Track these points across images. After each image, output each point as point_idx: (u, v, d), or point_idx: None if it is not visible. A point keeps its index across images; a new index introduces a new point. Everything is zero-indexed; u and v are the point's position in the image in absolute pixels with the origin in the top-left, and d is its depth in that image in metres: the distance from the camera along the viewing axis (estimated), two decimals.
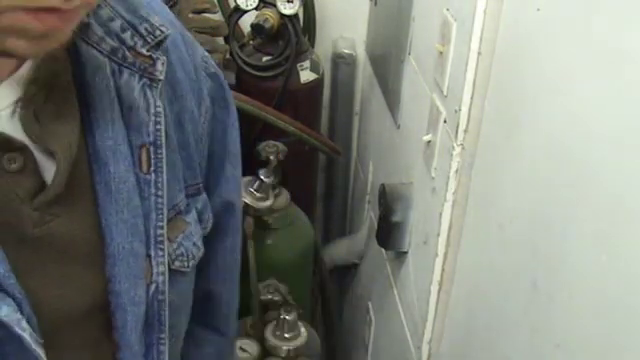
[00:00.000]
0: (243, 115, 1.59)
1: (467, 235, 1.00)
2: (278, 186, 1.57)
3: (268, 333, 1.47)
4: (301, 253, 1.64)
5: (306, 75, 1.71)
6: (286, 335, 1.47)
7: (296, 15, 1.64)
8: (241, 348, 1.47)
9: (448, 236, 1.04)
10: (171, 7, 1.44)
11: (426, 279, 1.10)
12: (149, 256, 0.65)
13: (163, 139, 0.64)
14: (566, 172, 0.68)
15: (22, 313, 0.55)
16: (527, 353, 0.77)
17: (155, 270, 0.66)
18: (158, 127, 0.64)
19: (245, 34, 1.72)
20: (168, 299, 0.68)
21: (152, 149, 0.63)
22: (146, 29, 0.62)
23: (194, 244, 0.72)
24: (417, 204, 1.21)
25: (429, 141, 1.10)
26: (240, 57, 1.67)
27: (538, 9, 0.76)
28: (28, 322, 0.56)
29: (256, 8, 1.62)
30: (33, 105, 0.57)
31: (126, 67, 0.62)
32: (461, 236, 1.02)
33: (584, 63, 0.66)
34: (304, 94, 1.73)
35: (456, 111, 0.96)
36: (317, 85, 1.76)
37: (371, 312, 1.63)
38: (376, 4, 1.70)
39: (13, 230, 0.56)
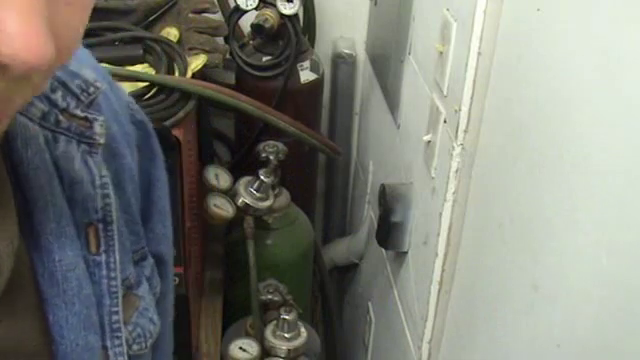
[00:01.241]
0: (243, 115, 1.59)
1: (467, 235, 1.00)
2: (278, 186, 1.57)
3: (268, 333, 1.47)
4: (301, 253, 1.64)
5: (306, 75, 1.71)
6: (286, 335, 1.47)
7: (296, 15, 1.64)
8: (241, 348, 1.47)
9: (448, 236, 1.04)
10: (171, 7, 1.44)
11: (426, 279, 1.10)
12: (105, 347, 0.57)
13: (114, 214, 0.56)
14: (566, 172, 0.68)
15: None
16: (527, 353, 0.77)
17: None
18: (107, 201, 0.56)
19: (245, 34, 1.72)
20: None
21: (101, 226, 0.56)
22: (79, 86, 0.54)
23: (150, 320, 0.65)
24: (417, 204, 1.21)
25: (429, 141, 1.10)
26: (240, 57, 1.67)
27: (538, 9, 0.76)
28: None
29: (256, 8, 1.62)
30: None
31: (61, 133, 0.53)
32: (461, 236, 1.02)
33: (584, 63, 0.66)
34: (304, 94, 1.73)
35: (456, 111, 0.96)
36: (317, 85, 1.76)
37: (371, 312, 1.63)
38: (376, 4, 1.70)
39: None
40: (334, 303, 1.93)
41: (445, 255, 1.05)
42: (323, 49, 1.88)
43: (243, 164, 1.72)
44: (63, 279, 0.53)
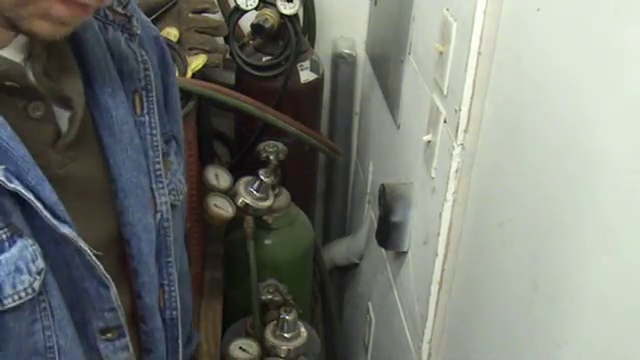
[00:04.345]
0: (243, 115, 1.59)
1: (467, 235, 1.00)
2: (278, 186, 1.57)
3: (268, 333, 1.47)
4: (301, 253, 1.64)
5: (306, 75, 1.71)
6: (286, 335, 1.47)
7: (296, 15, 1.64)
8: (241, 348, 1.47)
9: (448, 236, 1.04)
10: (171, 7, 1.44)
11: (426, 279, 1.10)
12: (152, 188, 0.73)
13: (153, 83, 0.72)
14: (566, 172, 0.68)
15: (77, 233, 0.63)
16: (527, 353, 0.77)
17: (159, 200, 0.74)
18: (147, 73, 0.71)
19: (245, 34, 1.72)
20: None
21: (144, 93, 0.71)
22: None
23: (179, 180, 0.80)
24: (417, 204, 1.21)
25: (429, 141, 1.10)
26: (240, 57, 1.67)
27: (538, 9, 0.76)
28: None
29: (256, 8, 1.62)
30: (41, 62, 0.62)
31: (109, 24, 0.69)
32: (461, 236, 1.02)
33: (584, 63, 0.66)
34: (304, 94, 1.73)
35: (456, 111, 0.96)
36: (317, 85, 1.76)
37: (371, 312, 1.63)
38: (376, 4, 1.70)
39: (43, 171, 0.61)
40: (334, 303, 1.93)
41: (445, 255, 1.05)
42: (323, 49, 1.88)
43: (243, 164, 1.72)
44: (119, 130, 0.68)
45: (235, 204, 1.47)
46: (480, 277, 0.95)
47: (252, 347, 1.47)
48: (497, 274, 0.88)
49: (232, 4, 1.68)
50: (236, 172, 1.56)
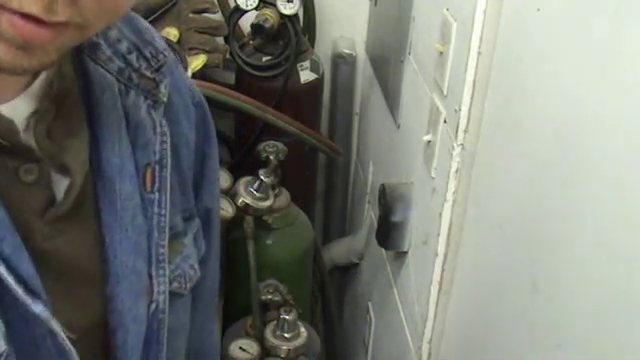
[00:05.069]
0: (243, 115, 1.59)
1: (467, 235, 1.00)
2: (278, 186, 1.57)
3: (268, 333, 1.47)
4: (301, 253, 1.64)
5: (306, 75, 1.71)
6: (286, 335, 1.47)
7: (296, 15, 1.64)
8: (241, 348, 1.47)
9: (448, 236, 1.04)
10: (171, 7, 1.44)
11: (426, 279, 1.10)
12: (150, 275, 0.65)
13: (168, 158, 0.65)
14: (566, 172, 0.68)
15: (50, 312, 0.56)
16: (527, 353, 0.77)
17: (156, 289, 0.66)
18: (164, 146, 0.65)
19: (245, 34, 1.72)
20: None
21: (157, 168, 0.64)
22: (150, 52, 0.64)
23: (191, 266, 0.72)
24: (417, 204, 1.21)
25: (429, 141, 1.10)
26: (240, 57, 1.67)
27: (538, 9, 0.76)
28: None
29: (256, 8, 1.62)
30: (45, 120, 0.57)
31: (132, 87, 0.63)
32: (461, 236, 1.02)
33: (584, 63, 0.66)
34: (304, 94, 1.73)
35: (456, 111, 0.96)
36: (317, 85, 1.76)
37: (371, 312, 1.63)
38: (376, 4, 1.70)
39: (25, 242, 0.55)
40: (334, 303, 1.93)
41: (445, 255, 1.05)
42: (323, 49, 1.88)
43: (243, 164, 1.72)
44: (121, 207, 0.62)
45: (235, 204, 1.47)
46: (480, 277, 0.95)
47: (252, 347, 1.47)
48: (497, 274, 0.88)
49: (232, 4, 1.68)
50: (236, 172, 1.56)
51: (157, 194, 0.64)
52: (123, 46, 0.62)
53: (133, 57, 0.62)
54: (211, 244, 0.80)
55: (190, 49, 1.43)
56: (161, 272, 0.66)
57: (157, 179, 0.64)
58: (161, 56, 0.65)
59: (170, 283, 0.68)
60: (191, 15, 1.46)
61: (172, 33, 1.41)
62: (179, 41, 1.42)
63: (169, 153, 0.65)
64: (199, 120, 0.73)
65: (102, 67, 0.61)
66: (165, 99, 0.65)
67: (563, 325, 0.68)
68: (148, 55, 0.63)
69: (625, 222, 0.58)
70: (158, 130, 0.64)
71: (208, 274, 0.80)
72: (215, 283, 0.85)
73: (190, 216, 0.73)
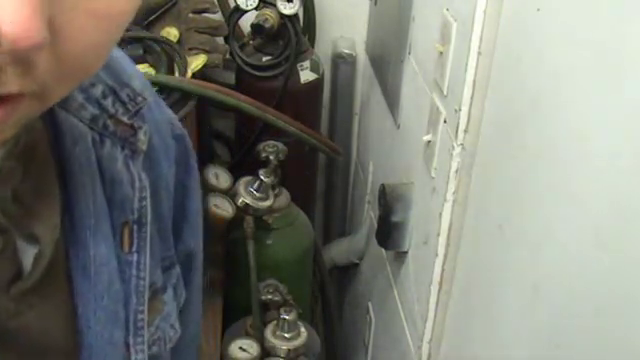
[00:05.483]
0: (243, 115, 1.59)
1: (467, 235, 1.00)
2: (278, 186, 1.57)
3: (268, 333, 1.47)
4: (301, 253, 1.64)
5: (306, 75, 1.71)
6: (286, 335, 1.47)
7: (296, 15, 1.64)
8: (241, 348, 1.47)
9: (448, 236, 1.04)
10: (171, 7, 1.44)
11: (426, 279, 1.10)
12: (127, 343, 0.59)
13: (148, 216, 0.59)
14: (566, 172, 0.68)
15: None
16: (527, 353, 0.77)
17: (133, 357, 0.60)
18: (143, 203, 0.58)
19: (245, 34, 1.72)
20: None
21: (136, 227, 0.58)
22: (128, 95, 0.57)
23: (171, 326, 0.67)
24: (417, 204, 1.21)
25: (429, 141, 1.10)
26: (240, 57, 1.67)
27: (538, 9, 0.76)
28: None
29: (256, 8, 1.62)
30: (11, 183, 0.49)
31: (107, 136, 0.56)
32: (461, 236, 1.02)
33: (584, 63, 0.66)
34: (304, 94, 1.73)
35: (456, 111, 0.96)
36: (317, 85, 1.76)
37: (371, 312, 1.63)
38: (376, 4, 1.70)
39: None
40: (334, 303, 1.93)
41: (445, 255, 1.05)
42: (323, 49, 1.88)
43: (243, 164, 1.72)
44: (95, 273, 0.55)
45: (235, 204, 1.47)
46: (480, 277, 0.94)
47: (252, 347, 1.47)
48: (497, 274, 0.88)
49: (232, 4, 1.68)
50: (236, 172, 1.56)
51: (136, 255, 0.58)
52: (97, 90, 0.55)
53: (108, 102, 0.56)
54: (193, 288, 0.74)
55: (190, 49, 1.43)
56: (139, 340, 0.60)
57: (136, 239, 0.58)
58: (139, 98, 0.58)
59: (149, 347, 0.63)
60: (191, 15, 1.46)
61: (172, 33, 1.41)
62: (179, 41, 1.42)
63: (149, 209, 0.59)
64: (179, 153, 0.67)
65: (73, 116, 0.53)
66: (145, 147, 0.58)
67: (563, 325, 0.68)
68: (125, 98, 0.57)
69: (625, 222, 0.58)
70: (137, 185, 0.58)
71: (191, 320, 0.75)
72: (198, 328, 0.79)
73: (170, 265, 0.67)
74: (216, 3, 1.62)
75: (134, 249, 0.58)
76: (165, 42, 1.35)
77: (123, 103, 0.57)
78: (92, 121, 0.55)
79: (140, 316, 0.59)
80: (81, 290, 0.54)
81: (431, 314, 1.10)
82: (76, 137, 0.54)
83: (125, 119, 0.57)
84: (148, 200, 0.59)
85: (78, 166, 0.54)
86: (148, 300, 0.61)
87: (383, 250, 1.41)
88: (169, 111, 0.69)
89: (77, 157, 0.54)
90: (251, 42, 1.69)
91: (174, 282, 0.67)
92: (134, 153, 0.58)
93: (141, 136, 0.58)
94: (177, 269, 0.68)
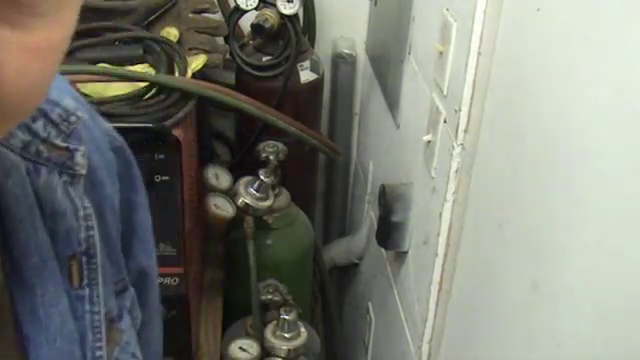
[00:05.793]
0: (243, 115, 1.59)
1: (467, 235, 1.00)
2: (278, 186, 1.57)
3: (268, 333, 1.47)
4: (301, 253, 1.64)
5: (306, 75, 1.71)
6: (286, 335, 1.47)
7: (296, 15, 1.64)
8: (241, 348, 1.47)
9: (448, 236, 1.04)
10: (171, 7, 1.44)
11: (426, 279, 1.10)
12: None
13: (97, 246, 0.55)
14: (566, 172, 0.68)
15: None
16: (527, 353, 0.77)
17: None
18: (90, 233, 0.54)
19: (245, 34, 1.72)
20: None
21: (84, 259, 0.54)
22: (60, 116, 0.52)
23: (132, 355, 0.62)
24: (417, 204, 1.21)
25: (429, 141, 1.10)
26: (240, 57, 1.67)
27: (538, 9, 0.76)
28: None
29: (256, 8, 1.62)
30: None
31: (42, 164, 0.51)
32: (461, 236, 1.02)
33: (584, 63, 0.66)
34: (304, 94, 1.73)
35: (456, 111, 0.96)
36: (317, 85, 1.76)
37: (371, 312, 1.63)
38: (376, 4, 1.70)
39: None
40: (334, 303, 1.93)
41: (445, 255, 1.05)
42: (323, 49, 1.88)
43: (243, 164, 1.72)
44: (45, 315, 0.51)
45: (235, 204, 1.47)
46: (480, 277, 0.94)
47: (252, 347, 1.47)
48: (497, 274, 0.88)
49: (232, 4, 1.67)
50: (236, 172, 1.56)
51: (87, 289, 0.54)
52: None
53: (39, 125, 0.51)
54: (149, 307, 0.70)
55: (190, 49, 1.43)
56: None
57: (86, 272, 0.54)
58: (73, 117, 0.53)
59: None
60: (191, 15, 1.46)
61: (172, 33, 1.41)
62: (179, 41, 1.42)
63: (97, 239, 0.55)
64: (121, 166, 0.63)
65: (2, 145, 0.49)
66: (84, 171, 0.53)
67: (563, 325, 0.68)
68: (57, 119, 0.52)
69: (625, 222, 0.58)
70: (81, 214, 0.53)
71: (152, 339, 0.72)
72: (159, 347, 0.75)
73: (123, 288, 0.63)
74: (216, 3, 1.62)
75: (85, 283, 0.54)
76: (165, 42, 1.35)
77: (55, 125, 0.52)
78: (23, 149, 0.50)
79: (98, 353, 0.55)
80: (31, 335, 0.50)
81: (431, 314, 1.10)
82: (8, 168, 0.49)
83: (59, 142, 0.52)
84: (95, 229, 0.54)
85: (13, 200, 0.49)
86: (105, 333, 0.57)
87: (383, 250, 1.41)
88: (105, 123, 0.64)
89: (11, 190, 0.49)
90: (251, 42, 1.69)
91: (129, 306, 0.63)
92: (73, 178, 0.53)
93: (79, 159, 0.53)
94: (131, 291, 0.64)
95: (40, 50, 0.37)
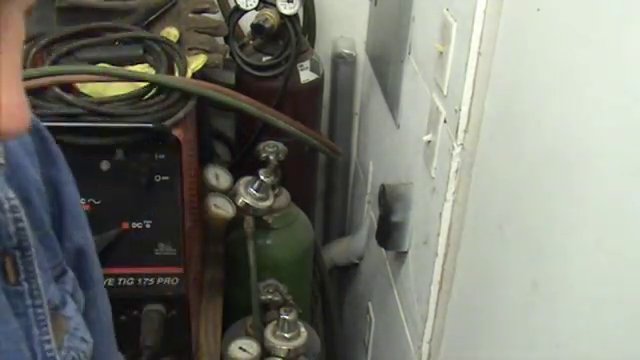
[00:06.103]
0: (243, 115, 1.59)
1: (467, 235, 1.00)
2: (278, 186, 1.57)
3: (268, 333, 1.47)
4: (301, 253, 1.64)
5: (306, 75, 1.71)
6: (286, 335, 1.47)
7: (296, 15, 1.64)
8: (241, 348, 1.47)
9: (448, 236, 1.04)
10: (171, 7, 1.44)
11: (426, 279, 1.10)
12: None
13: (30, 238, 0.52)
14: (566, 172, 0.68)
15: None
16: (527, 353, 0.77)
17: None
18: (20, 225, 0.51)
19: (245, 34, 1.72)
20: None
21: (18, 254, 0.51)
22: None
23: (82, 339, 0.60)
24: (417, 204, 1.21)
25: (429, 141, 1.10)
26: (240, 57, 1.67)
27: (538, 9, 0.76)
28: None
29: (256, 8, 1.62)
30: None
31: None
32: (461, 236, 1.02)
33: (584, 63, 0.66)
34: (304, 94, 1.73)
35: (456, 111, 0.96)
36: (317, 85, 1.76)
37: (371, 312, 1.63)
38: (376, 4, 1.70)
39: None
40: (334, 303, 1.93)
41: (445, 255, 1.05)
42: (323, 49, 1.88)
43: (243, 164, 1.72)
44: None
45: (235, 204, 1.47)
46: (480, 277, 0.94)
47: (252, 347, 1.47)
48: (497, 274, 0.88)
49: (232, 4, 1.68)
50: (236, 172, 1.56)
51: (26, 284, 0.52)
52: None
53: None
54: (94, 283, 0.67)
55: (190, 49, 1.43)
56: None
57: (21, 266, 0.51)
58: None
59: None
60: (191, 15, 1.46)
61: (172, 33, 1.41)
62: (179, 41, 1.42)
63: (28, 230, 0.52)
64: (39, 147, 0.60)
65: None
66: (3, 160, 0.50)
67: (563, 325, 0.68)
68: None
69: (625, 222, 0.58)
70: (6, 206, 0.50)
71: (101, 310, 0.69)
72: (108, 314, 0.71)
73: (62, 272, 0.60)
74: (216, 3, 1.62)
75: (22, 278, 0.51)
76: (165, 42, 1.35)
77: None
78: None
79: (47, 346, 0.53)
80: None
81: (431, 314, 1.10)
82: None
83: None
84: (25, 220, 0.51)
85: None
86: (50, 321, 0.55)
87: (383, 250, 1.41)
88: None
89: None
90: (251, 42, 1.69)
91: (70, 289, 0.61)
92: None
93: None
94: (70, 274, 0.61)
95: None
